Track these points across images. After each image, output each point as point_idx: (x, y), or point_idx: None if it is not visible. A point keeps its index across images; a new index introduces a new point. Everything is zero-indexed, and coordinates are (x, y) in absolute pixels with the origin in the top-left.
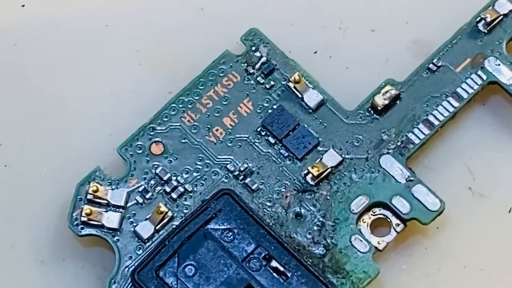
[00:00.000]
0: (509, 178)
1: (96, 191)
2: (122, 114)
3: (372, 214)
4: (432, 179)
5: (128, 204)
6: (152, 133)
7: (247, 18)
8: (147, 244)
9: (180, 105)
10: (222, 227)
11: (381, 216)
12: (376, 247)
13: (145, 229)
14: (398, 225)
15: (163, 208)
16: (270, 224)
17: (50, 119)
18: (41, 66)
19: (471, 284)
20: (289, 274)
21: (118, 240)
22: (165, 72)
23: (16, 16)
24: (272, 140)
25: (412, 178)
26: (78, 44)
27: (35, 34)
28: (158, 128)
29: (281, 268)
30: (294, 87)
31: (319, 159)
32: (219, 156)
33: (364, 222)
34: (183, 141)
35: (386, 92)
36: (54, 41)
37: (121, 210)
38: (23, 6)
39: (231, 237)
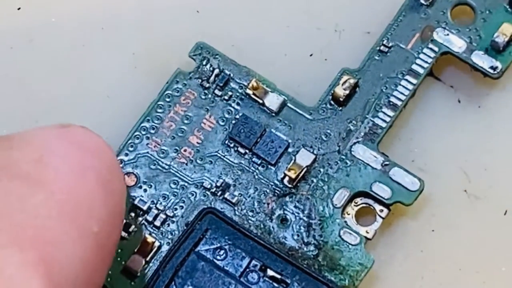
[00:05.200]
0: (504, 180)
1: None
2: (118, 118)
3: (354, 205)
4: (428, 182)
5: None
6: (121, 165)
7: (244, 21)
8: (141, 278)
9: (143, 132)
10: (213, 246)
11: (364, 205)
12: (365, 237)
13: (136, 263)
14: (382, 211)
15: (150, 239)
16: (258, 234)
17: (46, 123)
18: (37, 69)
19: (466, 287)
20: (288, 281)
21: (110, 279)
22: (161, 75)
23: (12, 19)
24: (242, 150)
25: (387, 162)
26: (73, 48)
27: (31, 38)
28: (126, 159)
29: (279, 276)
30: (253, 94)
31: (292, 161)
32: (193, 176)
33: (349, 214)
34: (153, 167)
35: (345, 82)
36: (49, 45)
37: None
38: (19, 9)
39: (224, 254)
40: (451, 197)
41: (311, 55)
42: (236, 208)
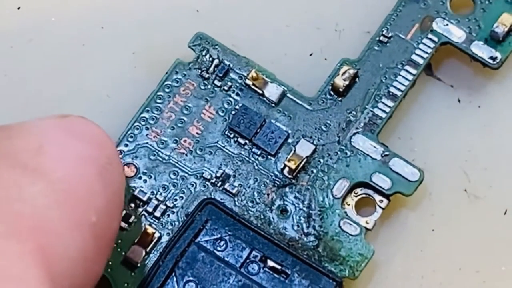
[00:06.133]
0: (504, 180)
1: None
2: (118, 118)
3: (354, 196)
4: (428, 181)
5: None
6: (121, 156)
7: (244, 20)
8: (141, 268)
9: (143, 123)
10: (213, 237)
11: (364, 195)
12: (365, 227)
13: (136, 253)
14: (381, 201)
15: (151, 230)
16: (258, 224)
17: None
18: (36, 68)
19: (466, 286)
20: (288, 272)
21: (111, 270)
22: (161, 74)
23: (12, 19)
24: (242, 141)
25: (387, 153)
26: (73, 47)
27: (31, 37)
28: (126, 149)
29: (279, 267)
30: (253, 84)
31: (292, 152)
32: (192, 167)
33: (349, 205)
34: (153, 158)
35: (345, 72)
36: (49, 44)
37: None
38: (18, 8)
39: (224, 245)
40: (451, 197)
41: (311, 54)
42: (236, 198)
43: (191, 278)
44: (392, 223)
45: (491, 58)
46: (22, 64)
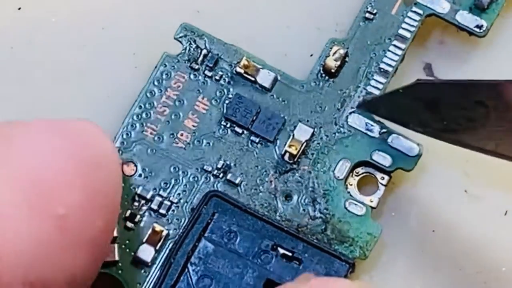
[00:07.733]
0: (504, 181)
1: None
2: (119, 118)
3: (356, 175)
4: (428, 181)
5: (120, 233)
6: (119, 154)
7: (244, 21)
8: (153, 267)
9: (137, 120)
10: (222, 230)
11: (365, 174)
12: (370, 206)
13: (146, 252)
14: (383, 178)
15: (158, 228)
16: (265, 213)
17: None
18: (37, 69)
19: (467, 287)
20: (301, 258)
21: (122, 271)
22: None
23: (12, 19)
24: (239, 130)
25: (384, 130)
26: (74, 47)
27: (31, 37)
28: (123, 147)
29: (291, 254)
30: (245, 72)
31: (291, 137)
32: (192, 160)
33: (351, 185)
34: (152, 154)
35: (335, 53)
36: (49, 44)
37: (115, 241)
38: (19, 9)
39: (234, 237)
40: (452, 197)
41: (311, 55)
42: (239, 188)
43: (205, 273)
44: (393, 223)
45: (477, 26)
46: (22, 64)
